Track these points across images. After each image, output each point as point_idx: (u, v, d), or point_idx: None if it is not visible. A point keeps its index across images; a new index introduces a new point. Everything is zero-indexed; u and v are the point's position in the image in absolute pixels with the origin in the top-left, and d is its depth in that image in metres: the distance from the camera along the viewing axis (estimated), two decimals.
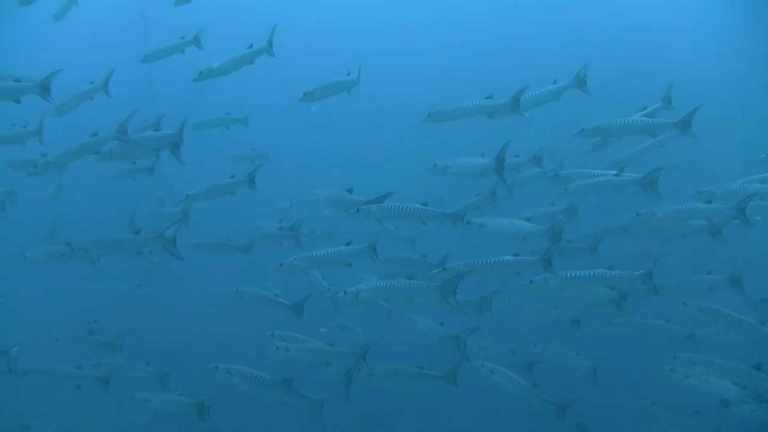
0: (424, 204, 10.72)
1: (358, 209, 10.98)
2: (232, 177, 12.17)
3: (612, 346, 13.55)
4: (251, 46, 12.27)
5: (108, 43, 16.28)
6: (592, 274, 11.08)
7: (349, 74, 12.74)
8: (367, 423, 15.84)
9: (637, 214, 11.99)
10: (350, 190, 12.40)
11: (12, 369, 10.68)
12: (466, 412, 15.18)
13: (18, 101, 10.54)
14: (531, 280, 11.21)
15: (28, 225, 15.27)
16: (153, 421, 14.38)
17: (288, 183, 18.67)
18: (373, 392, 11.38)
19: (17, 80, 10.48)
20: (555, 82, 12.42)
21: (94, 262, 10.56)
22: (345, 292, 10.54)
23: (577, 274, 11.04)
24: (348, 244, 10.94)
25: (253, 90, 16.00)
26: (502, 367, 11.48)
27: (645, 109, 12.55)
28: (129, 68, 14.57)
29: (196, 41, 13.64)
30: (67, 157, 10.70)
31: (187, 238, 13.63)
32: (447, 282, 10.20)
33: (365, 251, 10.68)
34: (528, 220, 11.85)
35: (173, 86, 12.90)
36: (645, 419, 13.52)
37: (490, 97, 12.05)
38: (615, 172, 12.11)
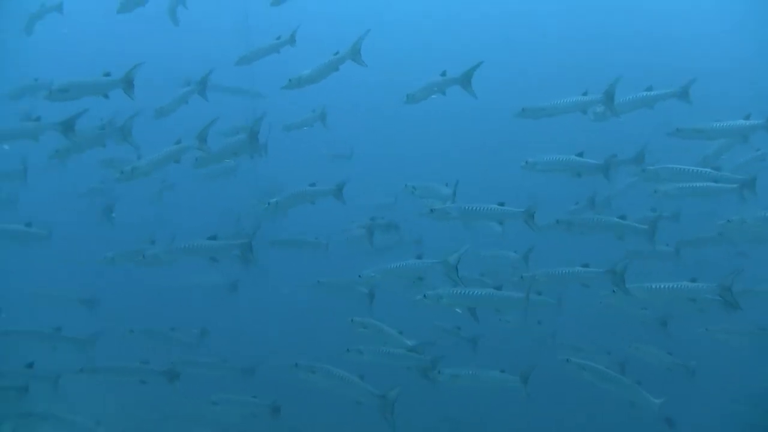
0: (501, 204, 10.84)
1: (431, 210, 11.21)
2: (312, 185, 12.41)
3: (705, 346, 13.30)
4: (337, 53, 12.32)
5: (210, 42, 17.01)
6: (673, 287, 10.80)
7: (444, 74, 12.51)
8: (447, 426, 15.66)
9: (728, 221, 11.77)
10: (448, 184, 12.59)
11: (85, 369, 11.16)
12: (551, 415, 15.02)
13: (107, 96, 10.81)
14: (613, 290, 11.05)
15: (137, 223, 15.90)
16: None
17: (380, 182, 19.12)
18: (451, 394, 11.65)
19: (107, 74, 10.80)
20: (651, 89, 12.15)
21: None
22: (425, 296, 10.59)
23: (658, 287, 10.83)
24: (419, 257, 10.96)
25: (345, 90, 16.30)
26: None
27: None
28: (231, 69, 15.38)
29: (292, 41, 13.78)
30: (153, 165, 11.08)
31: (273, 233, 14.37)
32: (530, 296, 10.39)
33: (443, 266, 10.62)
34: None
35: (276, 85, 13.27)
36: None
37: (585, 94, 11.85)
38: (709, 169, 11.96)
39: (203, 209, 19.14)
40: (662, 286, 10.83)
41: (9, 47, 16.15)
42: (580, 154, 11.79)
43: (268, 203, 12.39)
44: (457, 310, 10.79)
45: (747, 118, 11.95)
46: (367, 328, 11.33)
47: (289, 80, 12.28)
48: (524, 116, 12.13)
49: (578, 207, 13.48)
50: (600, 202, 13.60)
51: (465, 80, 12.04)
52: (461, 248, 10.52)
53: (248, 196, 16.33)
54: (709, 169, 11.99)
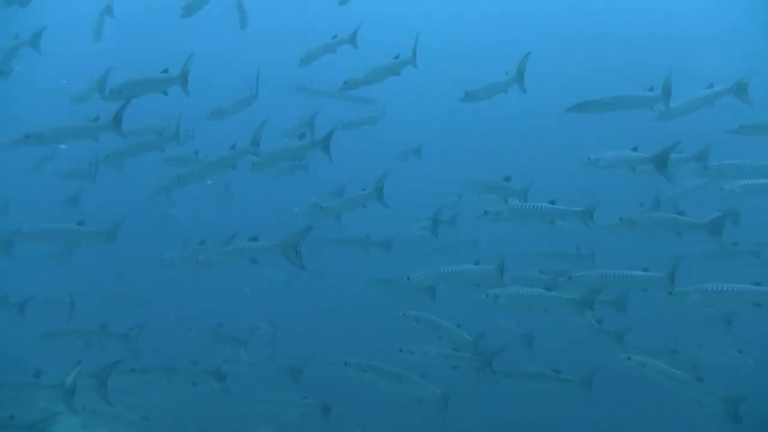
0: (552, 202, 10.89)
1: (485, 212, 11.26)
2: (364, 189, 12.51)
3: None
4: (397, 57, 12.37)
5: (268, 44, 17.35)
6: (734, 289, 10.57)
7: (507, 73, 12.51)
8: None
9: None
10: (508, 178, 12.74)
11: (136, 369, 11.32)
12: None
13: (165, 93, 11.00)
14: (669, 293, 10.85)
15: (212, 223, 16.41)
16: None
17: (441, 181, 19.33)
18: (509, 395, 11.67)
19: (164, 71, 11.00)
20: (711, 86, 12.13)
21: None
22: (486, 294, 10.74)
23: (720, 289, 10.61)
24: (477, 263, 11.15)
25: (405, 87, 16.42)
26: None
27: None
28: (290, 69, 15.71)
29: (351, 40, 13.84)
30: (207, 170, 11.52)
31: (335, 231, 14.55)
32: (586, 298, 10.34)
33: (492, 273, 10.83)
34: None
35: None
36: None
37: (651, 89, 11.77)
38: None
39: (263, 209, 19.58)
40: (723, 288, 10.62)
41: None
42: (634, 149, 11.72)
43: (319, 207, 12.79)
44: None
45: None
46: (420, 322, 11.38)
47: (345, 82, 12.38)
48: (581, 111, 11.98)
49: (643, 208, 13.32)
50: (664, 202, 13.39)
51: (519, 77, 12.10)
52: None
53: (308, 196, 16.61)
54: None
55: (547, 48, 21.21)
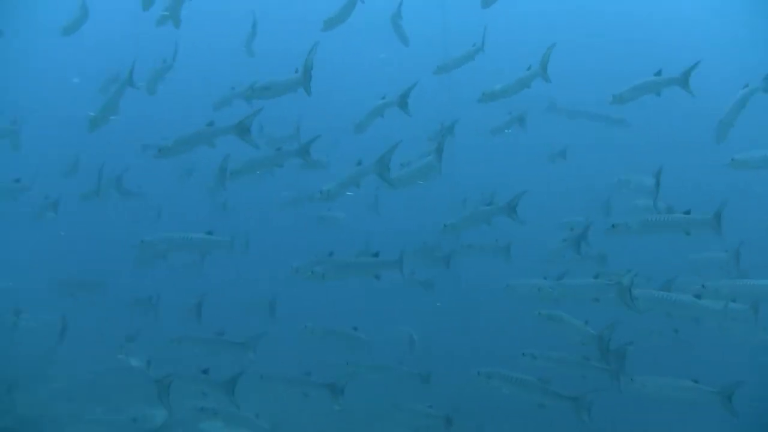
0: (687, 212, 10.80)
1: (613, 225, 11.24)
2: (488, 204, 12.77)
3: None
4: (529, 68, 12.66)
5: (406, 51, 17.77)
6: None
7: (659, 73, 12.38)
8: None
9: None
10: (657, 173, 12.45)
11: (264, 376, 11.84)
12: None
13: (309, 93, 11.18)
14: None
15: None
16: None
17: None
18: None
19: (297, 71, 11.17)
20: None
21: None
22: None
23: None
24: (596, 276, 11.11)
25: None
26: None
27: None
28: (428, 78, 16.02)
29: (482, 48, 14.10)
30: (341, 188, 11.51)
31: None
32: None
33: (617, 288, 10.54)
34: None
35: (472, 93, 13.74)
36: None
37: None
38: None
39: (402, 217, 20.07)
40: None
41: None
42: None
43: (444, 225, 12.93)
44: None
45: None
46: (553, 320, 11.39)
47: (483, 93, 12.74)
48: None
49: None
50: None
51: (684, 80, 11.96)
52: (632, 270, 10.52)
53: (450, 204, 16.86)
54: None
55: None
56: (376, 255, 10.75)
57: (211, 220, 15.72)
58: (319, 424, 14.46)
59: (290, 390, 12.14)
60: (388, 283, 11.13)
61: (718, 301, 10.77)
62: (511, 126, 16.50)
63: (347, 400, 11.76)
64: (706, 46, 23.50)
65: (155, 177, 18.01)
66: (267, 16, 17.42)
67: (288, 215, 19.19)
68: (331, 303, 16.59)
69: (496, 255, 14.56)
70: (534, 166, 21.39)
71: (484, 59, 14.43)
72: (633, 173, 15.89)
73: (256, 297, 16.23)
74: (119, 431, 14.68)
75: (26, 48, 26.37)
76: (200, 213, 17.91)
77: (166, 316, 14.20)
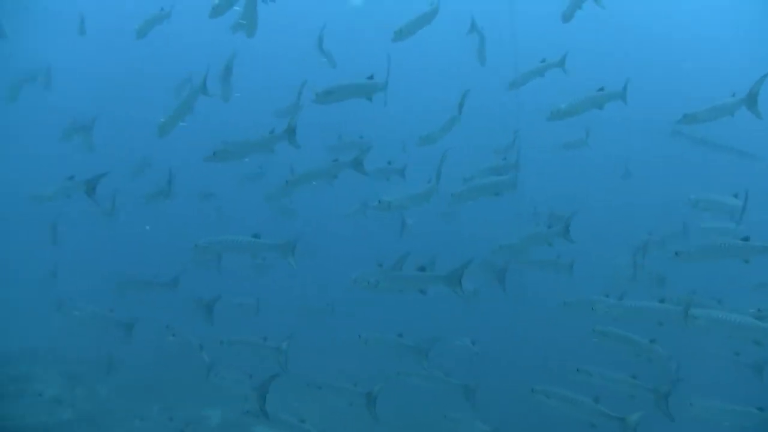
0: (746, 239, 10.57)
1: (676, 253, 11.10)
2: (549, 227, 12.88)
3: None
4: (602, 89, 12.48)
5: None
6: None
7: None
8: None
9: None
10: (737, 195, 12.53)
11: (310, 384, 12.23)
12: None
13: (370, 99, 11.54)
14: None
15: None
16: None
17: None
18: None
19: (370, 77, 11.50)
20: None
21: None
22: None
23: None
24: (662, 301, 10.89)
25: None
26: None
27: None
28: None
29: (561, 64, 14.09)
30: (406, 202, 11.91)
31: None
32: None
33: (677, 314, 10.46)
34: None
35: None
36: None
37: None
38: None
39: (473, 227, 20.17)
40: None
41: None
42: None
43: (500, 246, 13.14)
44: None
45: None
46: (608, 337, 11.45)
47: (551, 112, 12.59)
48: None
49: None
50: None
51: (751, 101, 11.71)
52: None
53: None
54: None
55: None
56: (423, 269, 10.71)
57: (279, 226, 16.21)
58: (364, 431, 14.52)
59: (336, 398, 12.34)
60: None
61: None
62: (584, 143, 16.49)
63: (395, 409, 12.23)
64: None
65: (222, 180, 18.58)
66: (336, 25, 17.67)
67: (364, 221, 19.27)
68: (391, 311, 16.74)
69: (559, 272, 14.58)
70: (606, 182, 21.36)
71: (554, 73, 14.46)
72: (707, 192, 15.65)
73: (315, 303, 16.49)
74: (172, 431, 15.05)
75: (96, 50, 27.22)
76: (267, 217, 18.23)
77: (223, 318, 14.50)
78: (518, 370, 13.89)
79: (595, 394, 10.81)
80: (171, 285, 14.98)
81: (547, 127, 13.22)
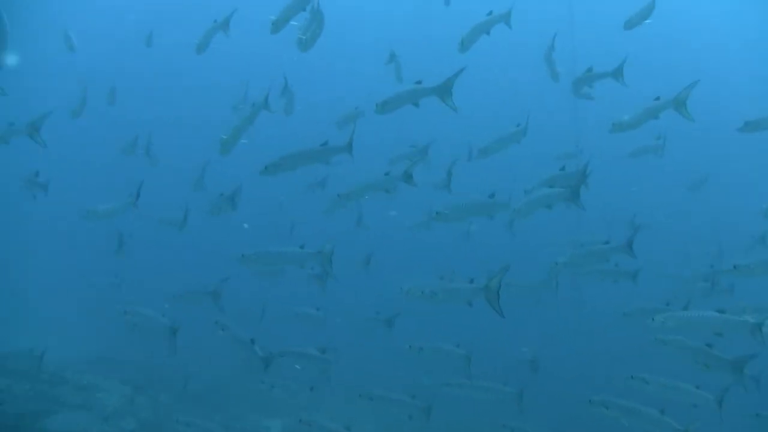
0: None
1: (734, 266, 11.21)
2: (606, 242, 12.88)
3: None
4: (658, 98, 12.27)
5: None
6: None
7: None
8: None
9: None
10: None
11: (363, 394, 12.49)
12: None
13: (417, 105, 11.35)
14: None
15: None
16: None
17: None
18: None
19: (418, 82, 11.34)
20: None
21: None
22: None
23: None
24: (721, 311, 10.65)
25: None
26: None
27: None
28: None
29: (617, 75, 13.92)
30: (462, 212, 11.98)
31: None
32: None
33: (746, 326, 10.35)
34: None
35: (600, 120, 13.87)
36: None
37: None
38: None
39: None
40: None
41: None
42: None
43: (556, 263, 13.12)
44: None
45: None
46: (669, 345, 11.39)
47: (613, 124, 12.59)
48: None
49: None
50: None
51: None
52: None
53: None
54: None
55: None
56: (472, 281, 10.69)
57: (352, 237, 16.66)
58: None
59: (392, 409, 12.57)
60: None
61: None
62: (660, 148, 16.46)
63: (451, 418, 12.30)
64: None
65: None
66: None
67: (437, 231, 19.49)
68: (449, 321, 16.91)
69: (618, 280, 14.51)
70: (674, 193, 21.27)
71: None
72: None
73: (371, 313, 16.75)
74: None
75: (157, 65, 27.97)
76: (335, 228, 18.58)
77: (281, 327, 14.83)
78: (577, 379, 13.84)
79: (659, 404, 10.83)
80: (215, 295, 15.30)
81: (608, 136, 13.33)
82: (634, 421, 10.86)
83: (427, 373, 13.81)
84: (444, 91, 11.19)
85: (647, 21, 14.80)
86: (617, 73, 13.83)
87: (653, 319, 11.16)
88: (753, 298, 12.15)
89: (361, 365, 14.23)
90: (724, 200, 21.98)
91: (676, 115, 12.21)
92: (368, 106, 12.45)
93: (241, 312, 14.81)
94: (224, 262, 12.81)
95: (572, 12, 24.44)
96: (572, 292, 15.54)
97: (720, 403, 10.67)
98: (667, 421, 10.65)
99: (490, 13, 13.56)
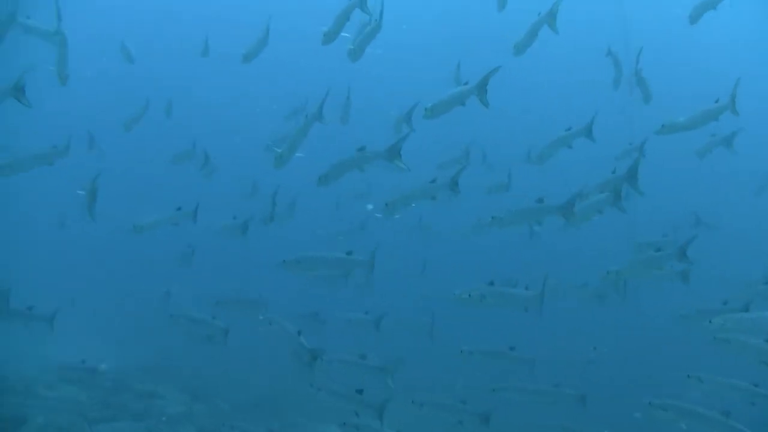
0: None
1: None
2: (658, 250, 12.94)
3: None
4: (717, 101, 12.38)
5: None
6: None
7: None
8: None
9: None
10: None
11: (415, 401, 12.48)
12: None
13: (463, 104, 11.40)
14: None
15: None
16: None
17: None
18: None
19: (465, 83, 11.46)
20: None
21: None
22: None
23: None
24: None
25: None
26: None
27: None
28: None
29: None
30: (516, 218, 12.08)
31: None
32: None
33: None
34: None
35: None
36: None
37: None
38: None
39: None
40: None
41: None
42: None
43: (608, 272, 13.06)
44: None
45: None
46: (731, 344, 11.13)
47: (663, 126, 12.69)
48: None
49: None
50: None
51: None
52: None
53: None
54: None
55: None
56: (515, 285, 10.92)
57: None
58: None
59: (445, 415, 12.63)
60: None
61: None
62: (715, 147, 16.47)
63: (504, 423, 12.29)
64: None
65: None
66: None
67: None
68: (503, 325, 17.04)
69: (674, 279, 14.49)
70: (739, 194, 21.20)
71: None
72: None
73: (419, 319, 16.98)
74: None
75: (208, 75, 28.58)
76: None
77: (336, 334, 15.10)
78: (636, 381, 13.88)
79: (725, 407, 10.84)
80: (260, 303, 15.56)
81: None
82: (695, 424, 10.88)
83: (481, 377, 13.73)
84: (480, 89, 11.30)
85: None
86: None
87: (711, 321, 11.23)
88: None
89: (417, 370, 14.33)
90: None
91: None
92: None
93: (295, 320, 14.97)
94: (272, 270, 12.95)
95: (624, 11, 24.49)
96: (630, 294, 15.43)
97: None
98: (732, 425, 10.63)
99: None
